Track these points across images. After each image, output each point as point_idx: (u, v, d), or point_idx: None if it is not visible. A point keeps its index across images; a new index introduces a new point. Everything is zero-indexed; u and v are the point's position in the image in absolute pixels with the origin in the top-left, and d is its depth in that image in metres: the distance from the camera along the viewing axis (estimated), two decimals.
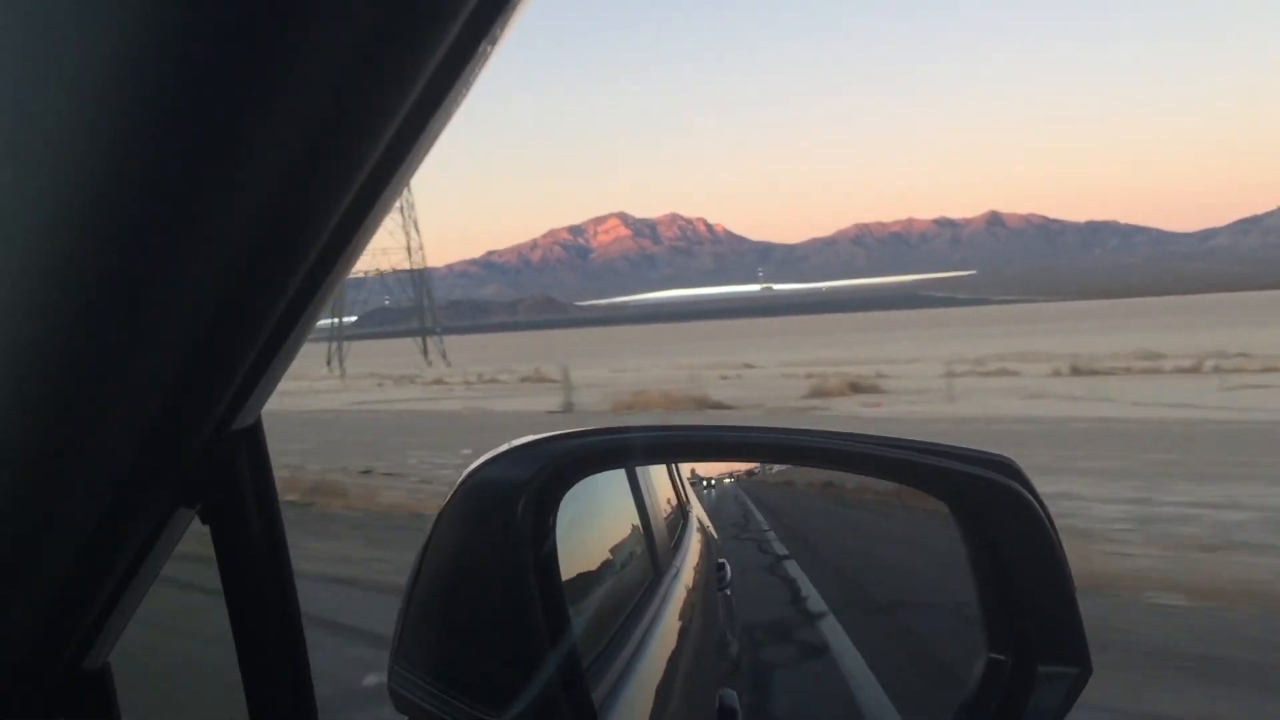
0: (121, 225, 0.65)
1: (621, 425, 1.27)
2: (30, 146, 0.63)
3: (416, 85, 0.61)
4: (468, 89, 0.66)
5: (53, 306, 0.70)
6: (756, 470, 1.66)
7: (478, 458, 1.17)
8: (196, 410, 0.82)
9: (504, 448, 1.19)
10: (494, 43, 0.63)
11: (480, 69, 0.64)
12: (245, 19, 0.55)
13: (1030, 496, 1.13)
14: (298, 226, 0.68)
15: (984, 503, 1.17)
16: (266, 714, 1.03)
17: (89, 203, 0.64)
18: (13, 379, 0.74)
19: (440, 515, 1.15)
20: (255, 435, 0.96)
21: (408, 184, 0.72)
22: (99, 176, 0.63)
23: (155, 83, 0.58)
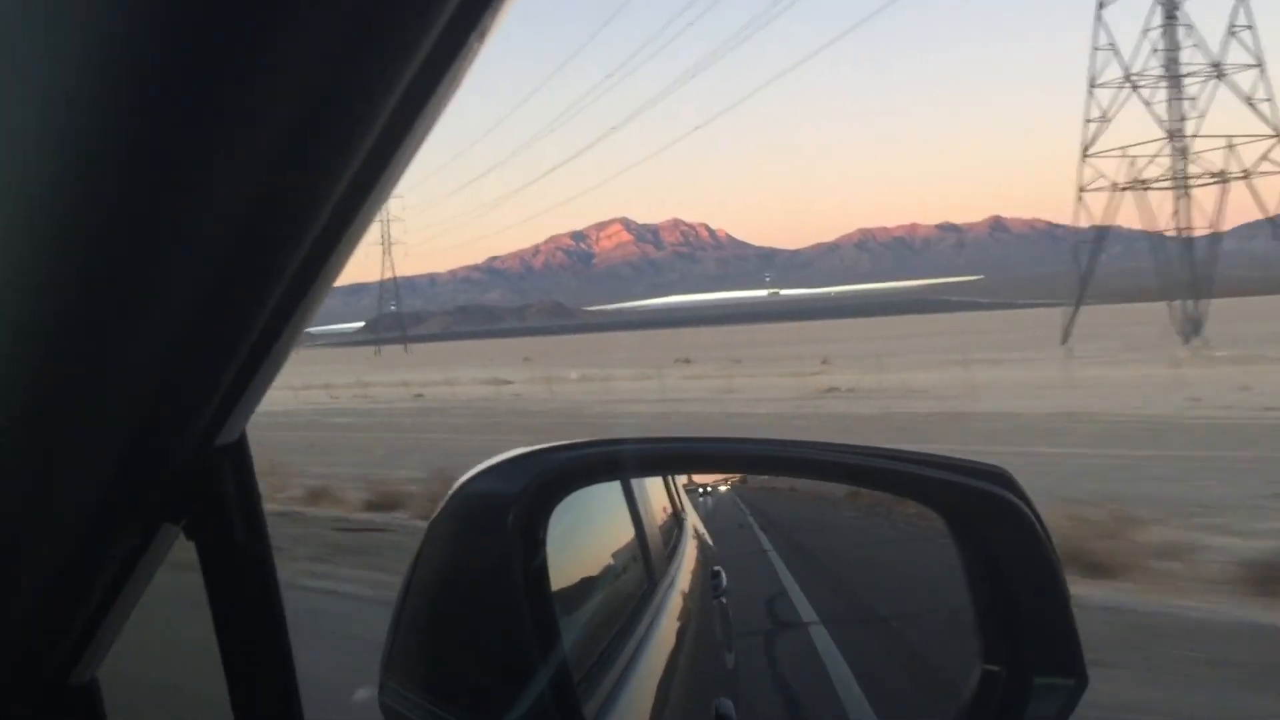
0: (98, 235, 0.64)
1: (614, 437, 1.26)
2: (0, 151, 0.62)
3: (400, 84, 0.59)
4: (454, 89, 0.64)
5: (29, 319, 0.69)
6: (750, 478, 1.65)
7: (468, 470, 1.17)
8: (180, 425, 0.80)
9: (496, 460, 1.18)
10: (482, 37, 0.61)
11: (467, 66, 0.63)
12: (223, 15, 0.54)
13: (1025, 507, 1.12)
14: (280, 234, 0.67)
15: (979, 514, 1.16)
16: None
17: (63, 212, 0.63)
18: None
19: (431, 527, 1.14)
20: (240, 450, 0.95)
21: (393, 188, 0.70)
22: (73, 185, 0.61)
23: (130, 87, 0.57)
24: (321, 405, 42.82)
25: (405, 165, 0.69)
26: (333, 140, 0.62)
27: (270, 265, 0.69)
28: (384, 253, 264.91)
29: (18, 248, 0.65)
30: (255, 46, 0.55)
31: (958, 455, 1.18)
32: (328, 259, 0.72)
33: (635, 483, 1.74)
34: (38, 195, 0.63)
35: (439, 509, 1.14)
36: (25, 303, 0.68)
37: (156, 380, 0.74)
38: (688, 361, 66.53)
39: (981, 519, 1.16)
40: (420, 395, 45.48)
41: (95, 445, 0.78)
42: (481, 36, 0.61)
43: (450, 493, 1.14)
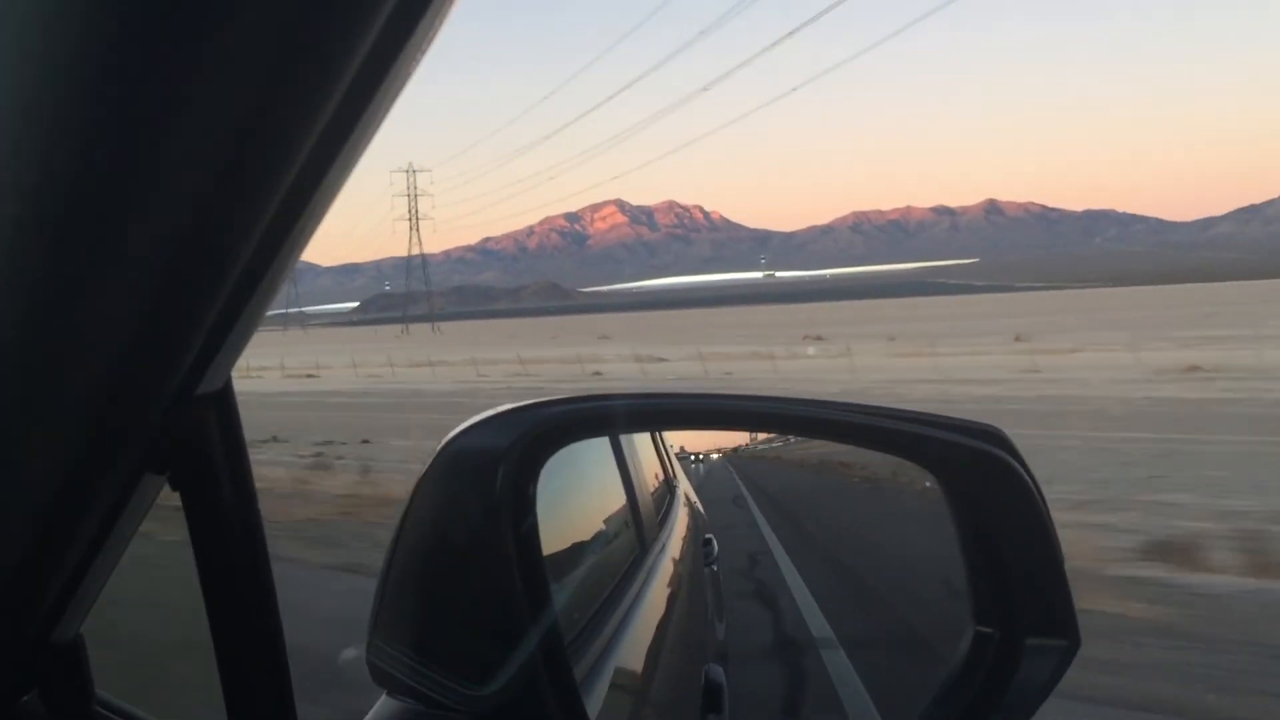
0: (71, 186, 0.64)
1: (603, 393, 1.25)
2: None
3: (369, 34, 0.59)
4: (429, 42, 0.64)
5: (4, 267, 0.68)
6: (745, 445, 1.64)
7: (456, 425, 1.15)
8: (159, 373, 0.79)
9: (483, 415, 1.17)
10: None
11: (434, 29, 0.62)
12: None
13: (1019, 466, 1.11)
14: (252, 185, 0.66)
15: (971, 473, 1.15)
16: (240, 678, 1.01)
17: (40, 168, 0.63)
18: None
19: (418, 484, 1.13)
20: (225, 399, 0.94)
21: (370, 139, 0.70)
22: (50, 143, 0.62)
23: (95, 42, 0.57)
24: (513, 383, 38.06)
25: (381, 117, 0.68)
26: (302, 92, 0.61)
27: (243, 217, 0.69)
28: (411, 228, 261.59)
29: (2, 201, 0.65)
30: (215, 22, 0.56)
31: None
32: (302, 212, 0.71)
33: (627, 446, 1.73)
34: (15, 158, 0.63)
35: (426, 466, 1.13)
36: (5, 252, 0.68)
37: (132, 328, 0.73)
38: (819, 339, 63.67)
39: (976, 478, 1.14)
40: (599, 373, 41.23)
41: (73, 395, 0.77)
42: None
43: (438, 449, 1.13)
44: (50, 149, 0.62)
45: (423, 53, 0.64)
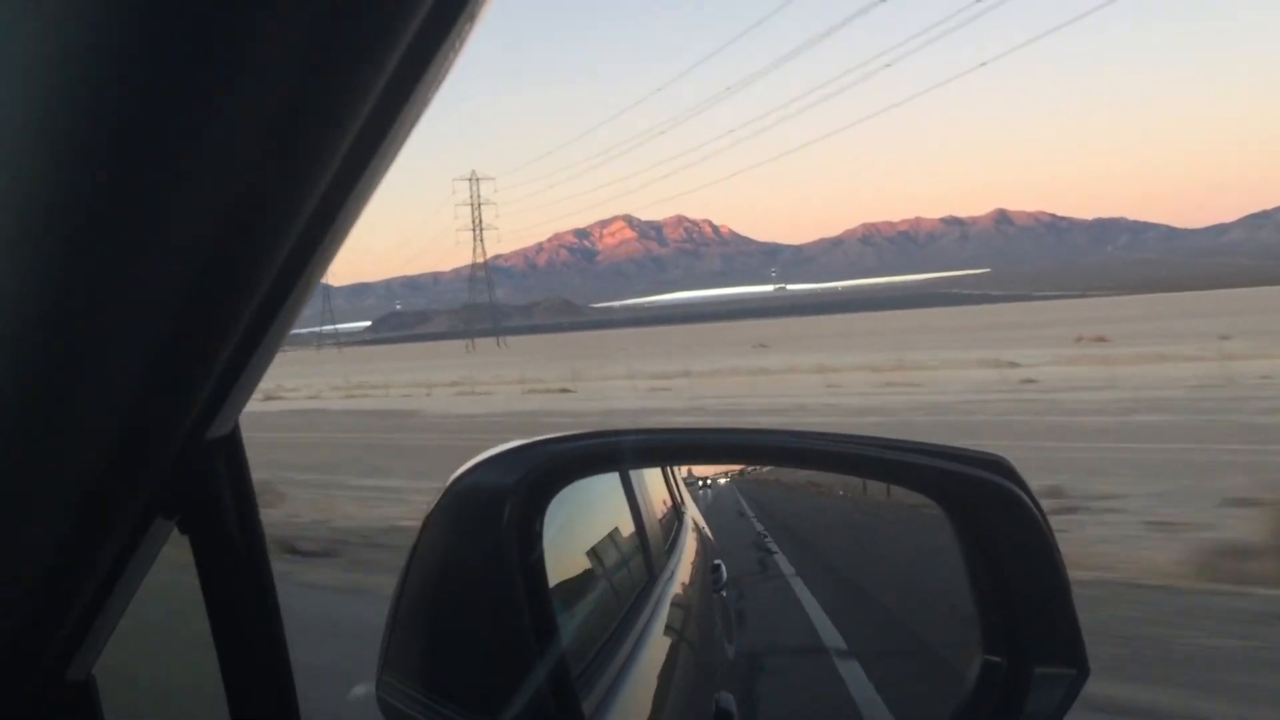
0: (83, 226, 0.63)
1: (611, 429, 1.26)
2: None
3: (386, 69, 0.58)
4: (443, 77, 0.63)
5: (16, 311, 0.68)
6: (750, 470, 1.65)
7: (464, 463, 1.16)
8: (169, 418, 0.79)
9: (491, 452, 1.18)
10: (472, 19, 0.60)
11: (457, 50, 0.62)
12: (201, 9, 0.54)
13: (1024, 496, 1.11)
14: (267, 226, 0.66)
15: (978, 503, 1.15)
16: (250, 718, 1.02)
17: (49, 204, 0.62)
18: None
19: (427, 520, 1.14)
20: (233, 443, 0.94)
21: (382, 178, 0.69)
22: (59, 177, 0.61)
23: (112, 80, 0.56)
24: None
25: (395, 152, 0.67)
26: (317, 131, 0.61)
27: (257, 258, 0.68)
28: (475, 238, 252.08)
29: (13, 244, 0.65)
30: (236, 38, 0.55)
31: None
32: (315, 250, 0.71)
33: (634, 475, 1.74)
34: (33, 193, 0.62)
35: (434, 502, 1.14)
36: (8, 301, 0.67)
37: (144, 373, 0.73)
38: (1100, 339, 53.78)
39: (981, 508, 1.15)
40: (1032, 381, 30.98)
41: (85, 439, 0.77)
42: (471, 18, 0.60)
43: (446, 486, 1.14)
44: (68, 194, 0.62)
45: (448, 71, 0.63)
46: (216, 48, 0.55)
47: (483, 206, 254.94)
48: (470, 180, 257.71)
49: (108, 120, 0.58)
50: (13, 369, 0.71)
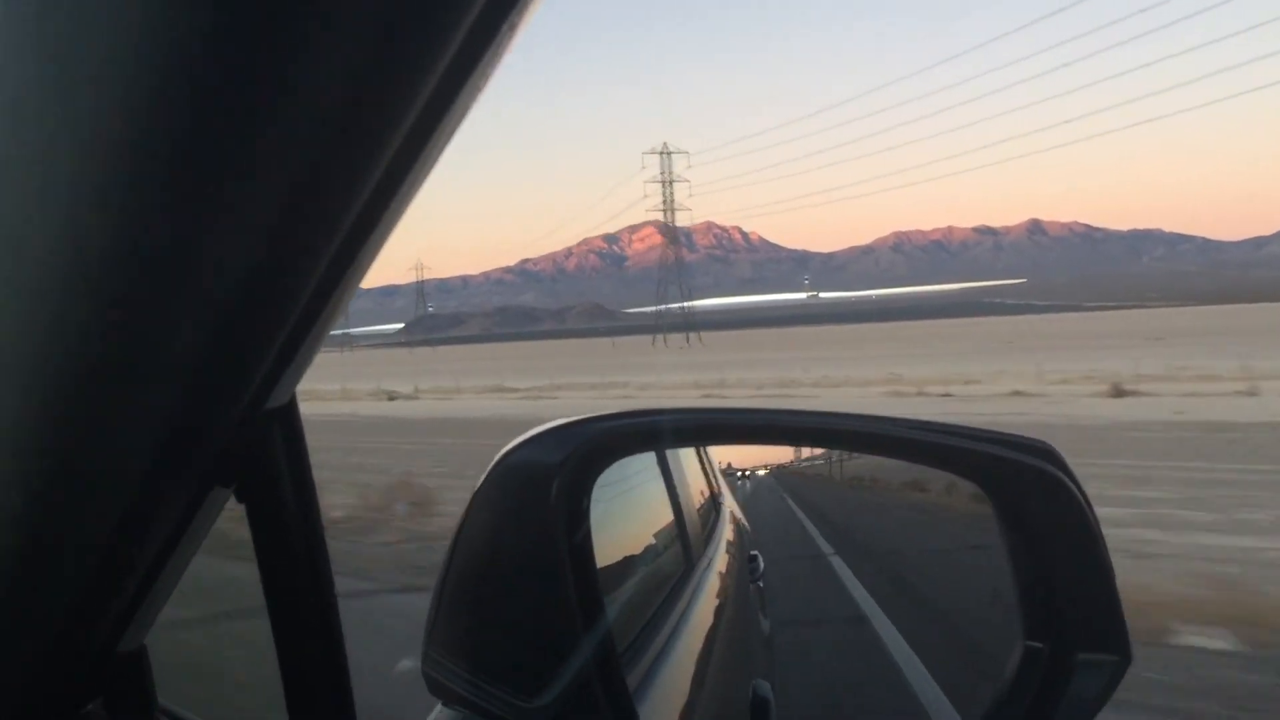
0: (147, 202, 0.65)
1: (654, 408, 1.27)
2: (59, 130, 0.64)
3: (434, 73, 0.61)
4: (488, 78, 0.65)
5: (82, 285, 0.70)
6: (791, 462, 1.65)
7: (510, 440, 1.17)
8: (228, 389, 0.82)
9: (537, 430, 1.19)
10: (513, 29, 0.62)
11: (500, 57, 0.64)
12: (254, 13, 0.56)
13: (1069, 481, 1.11)
14: (326, 202, 0.68)
15: (1022, 488, 1.15)
16: (302, 689, 1.04)
17: (117, 181, 0.64)
18: (44, 359, 0.74)
19: (474, 498, 1.15)
20: (290, 414, 0.96)
21: (438, 158, 0.71)
22: (126, 156, 0.63)
23: (177, 64, 0.59)
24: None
25: (451, 132, 0.69)
26: (375, 114, 0.63)
27: (316, 234, 0.70)
28: (665, 217, 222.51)
29: (79, 219, 0.67)
30: (286, 45, 0.57)
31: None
32: (374, 227, 0.73)
33: (673, 463, 1.75)
34: (100, 169, 0.64)
35: (481, 480, 1.15)
36: (75, 271, 0.69)
37: (205, 344, 0.75)
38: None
39: (1026, 494, 1.15)
40: None
41: (145, 409, 0.79)
42: (512, 29, 0.62)
43: (492, 463, 1.15)
44: (136, 166, 0.64)
45: (491, 75, 0.65)
46: (273, 51, 0.58)
47: (674, 184, 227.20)
48: (660, 154, 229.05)
49: (170, 103, 0.60)
50: (77, 342, 0.73)
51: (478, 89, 0.66)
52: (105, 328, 0.72)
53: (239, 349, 0.78)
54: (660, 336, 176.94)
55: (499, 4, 0.59)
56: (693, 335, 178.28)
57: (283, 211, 0.67)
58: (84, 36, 0.59)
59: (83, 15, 0.59)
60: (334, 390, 51.00)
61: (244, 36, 0.57)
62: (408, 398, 49.00)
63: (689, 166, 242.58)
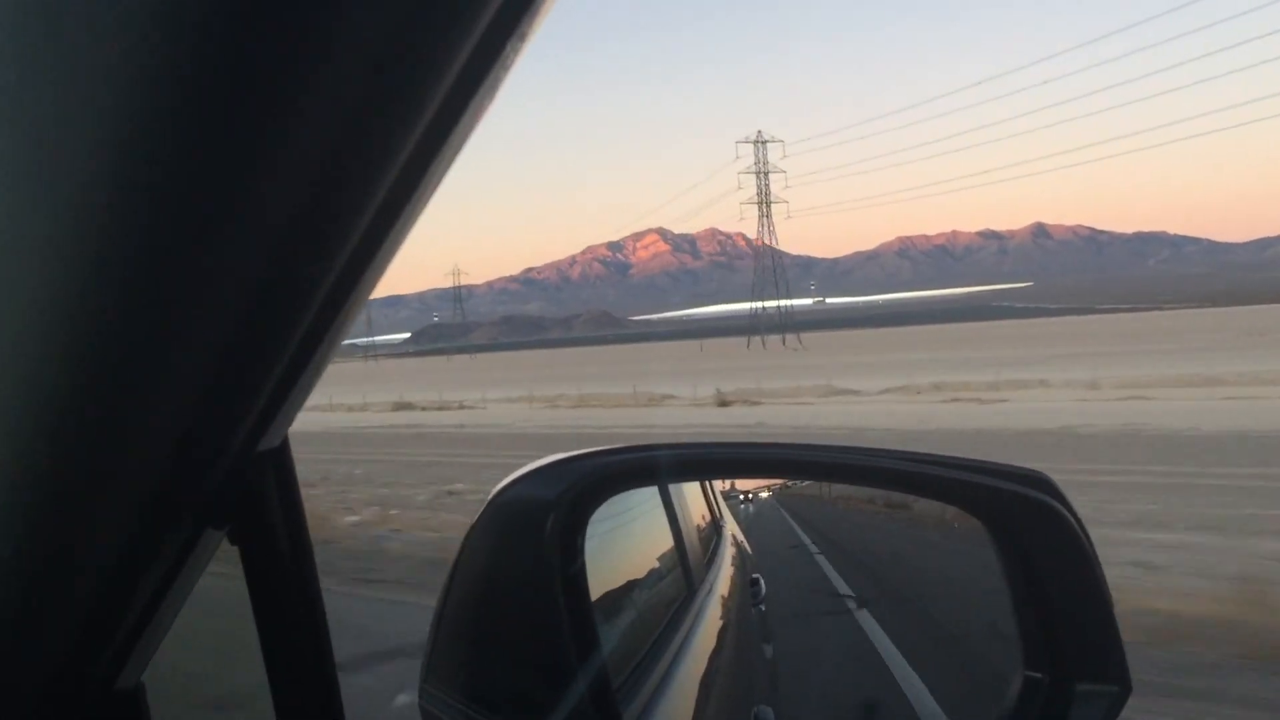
0: (139, 240, 0.64)
1: (650, 443, 1.27)
2: (44, 160, 0.62)
3: (441, 88, 0.59)
4: (494, 93, 0.64)
5: (73, 325, 0.69)
6: (791, 484, 1.65)
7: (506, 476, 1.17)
8: (221, 431, 0.81)
9: (533, 466, 1.19)
10: (522, 40, 0.61)
11: (507, 70, 0.63)
12: (260, 28, 0.55)
13: (1066, 512, 1.11)
14: (320, 240, 0.67)
15: (1019, 518, 1.15)
16: None
17: (107, 219, 0.63)
18: (35, 398, 0.74)
19: (470, 534, 1.15)
20: (283, 456, 0.96)
21: (434, 192, 0.70)
22: (117, 191, 0.62)
23: (171, 93, 0.57)
24: None
25: (446, 168, 0.68)
26: (371, 148, 0.62)
27: (310, 273, 0.69)
28: (761, 213, 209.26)
29: (70, 257, 0.66)
30: (293, 59, 0.56)
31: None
32: (368, 265, 0.72)
33: (673, 489, 1.74)
34: (90, 206, 0.63)
35: (477, 516, 1.16)
36: (69, 311, 0.68)
37: (199, 386, 0.75)
38: None
39: (1023, 524, 1.14)
40: None
41: (140, 450, 0.79)
42: (521, 40, 0.61)
43: (488, 499, 1.15)
44: (128, 203, 0.62)
45: (498, 90, 0.64)
46: (276, 69, 0.56)
47: (770, 175, 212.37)
48: (755, 143, 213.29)
49: (162, 137, 0.59)
50: (70, 381, 0.73)
51: (484, 105, 0.64)
52: (95, 366, 0.71)
53: (232, 391, 0.77)
54: (758, 338, 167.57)
55: (507, 18, 0.58)
56: (790, 336, 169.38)
57: (276, 249, 0.66)
58: (90, 41, 0.57)
59: (90, 18, 0.57)
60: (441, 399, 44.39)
61: (246, 45, 0.55)
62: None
63: (784, 156, 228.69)
